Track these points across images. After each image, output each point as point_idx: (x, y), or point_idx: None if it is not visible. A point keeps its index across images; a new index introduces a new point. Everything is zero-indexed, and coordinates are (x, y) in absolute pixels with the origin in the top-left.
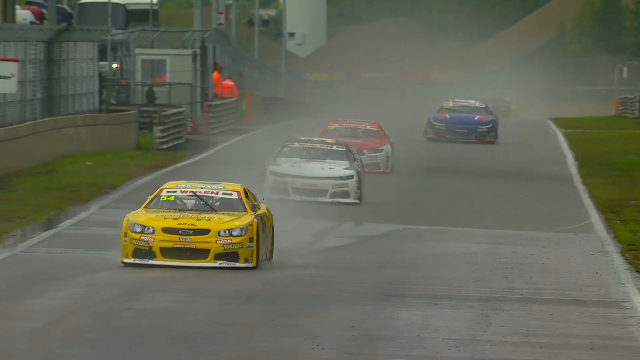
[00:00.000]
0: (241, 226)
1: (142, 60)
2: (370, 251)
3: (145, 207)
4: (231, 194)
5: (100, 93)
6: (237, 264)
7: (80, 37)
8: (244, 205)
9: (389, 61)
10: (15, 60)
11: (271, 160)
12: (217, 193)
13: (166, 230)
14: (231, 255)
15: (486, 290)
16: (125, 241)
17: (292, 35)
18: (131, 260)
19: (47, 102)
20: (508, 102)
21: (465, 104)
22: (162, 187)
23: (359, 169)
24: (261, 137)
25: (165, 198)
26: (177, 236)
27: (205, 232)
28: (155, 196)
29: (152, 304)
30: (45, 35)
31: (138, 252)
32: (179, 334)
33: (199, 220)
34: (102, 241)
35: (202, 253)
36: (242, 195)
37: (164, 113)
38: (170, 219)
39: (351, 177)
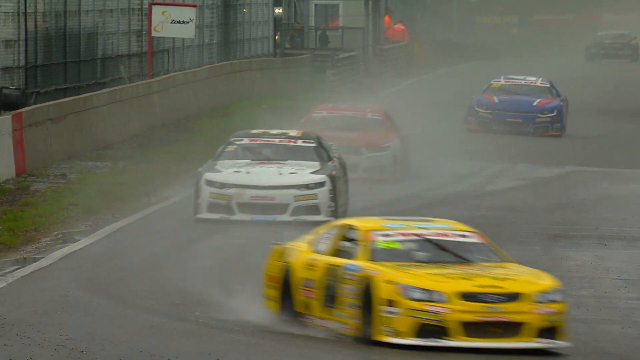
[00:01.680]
0: (557, 288)
1: (316, 5)
2: (541, 193)
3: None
4: (468, 236)
5: (275, 37)
6: (557, 343)
7: None
8: (495, 252)
9: (561, 3)
10: (194, 6)
11: (209, 165)
12: (447, 235)
13: (466, 296)
14: (550, 332)
15: None
16: (395, 312)
17: None
18: (412, 341)
19: (223, 47)
20: None
21: (522, 82)
22: (367, 229)
23: (334, 173)
24: (432, 80)
25: (387, 245)
26: (481, 304)
27: (515, 296)
28: (372, 243)
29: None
30: None
31: (425, 330)
32: None
33: (497, 278)
34: None
35: (514, 328)
36: (484, 237)
37: (336, 57)
38: (459, 279)
39: (321, 184)
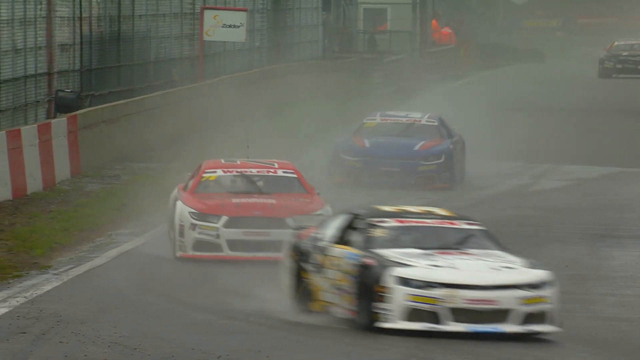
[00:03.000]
0: None
1: (364, 9)
2: (585, 193)
3: None
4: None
5: (324, 41)
6: None
7: None
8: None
9: (605, 6)
10: (245, 10)
11: (380, 256)
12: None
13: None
14: None
15: None
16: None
17: None
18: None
19: (273, 50)
20: None
21: (403, 119)
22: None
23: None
24: (479, 82)
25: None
26: None
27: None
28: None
29: None
30: None
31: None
32: None
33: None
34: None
35: None
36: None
37: (385, 59)
38: None
39: (550, 283)
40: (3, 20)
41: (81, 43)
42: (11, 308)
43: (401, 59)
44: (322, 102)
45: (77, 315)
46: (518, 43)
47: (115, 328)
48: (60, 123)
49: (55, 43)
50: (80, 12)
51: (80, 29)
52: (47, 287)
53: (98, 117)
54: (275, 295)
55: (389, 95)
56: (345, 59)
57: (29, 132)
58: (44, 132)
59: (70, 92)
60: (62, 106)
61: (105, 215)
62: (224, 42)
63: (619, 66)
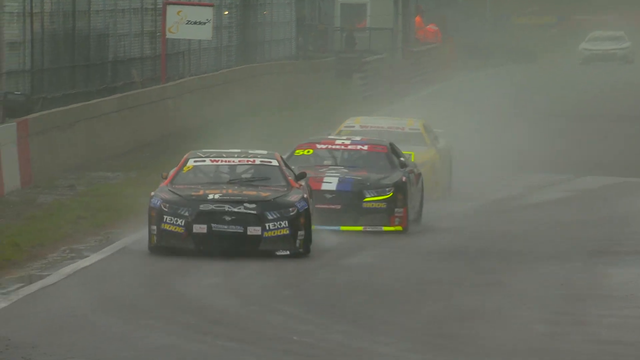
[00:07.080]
0: None
1: (341, 5)
2: (582, 206)
3: None
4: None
5: (298, 39)
6: None
7: None
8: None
9: (602, 3)
10: (211, 5)
11: None
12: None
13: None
14: None
15: None
16: None
17: None
18: None
19: (242, 49)
20: None
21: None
22: None
23: None
24: (466, 83)
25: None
26: None
27: None
28: None
29: (353, 260)
30: None
31: None
32: (378, 290)
33: None
34: None
35: None
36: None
37: (364, 59)
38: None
39: None
40: None
41: (32, 41)
42: None
43: (383, 59)
44: (296, 104)
45: (27, 339)
46: (508, 41)
47: (68, 352)
48: (9, 129)
49: (3, 41)
50: (31, 7)
51: (31, 26)
52: None
53: (51, 122)
54: (242, 317)
55: (375, 95)
56: (322, 58)
57: None
58: None
59: (20, 94)
60: (10, 110)
61: (59, 230)
62: (189, 40)
63: None
